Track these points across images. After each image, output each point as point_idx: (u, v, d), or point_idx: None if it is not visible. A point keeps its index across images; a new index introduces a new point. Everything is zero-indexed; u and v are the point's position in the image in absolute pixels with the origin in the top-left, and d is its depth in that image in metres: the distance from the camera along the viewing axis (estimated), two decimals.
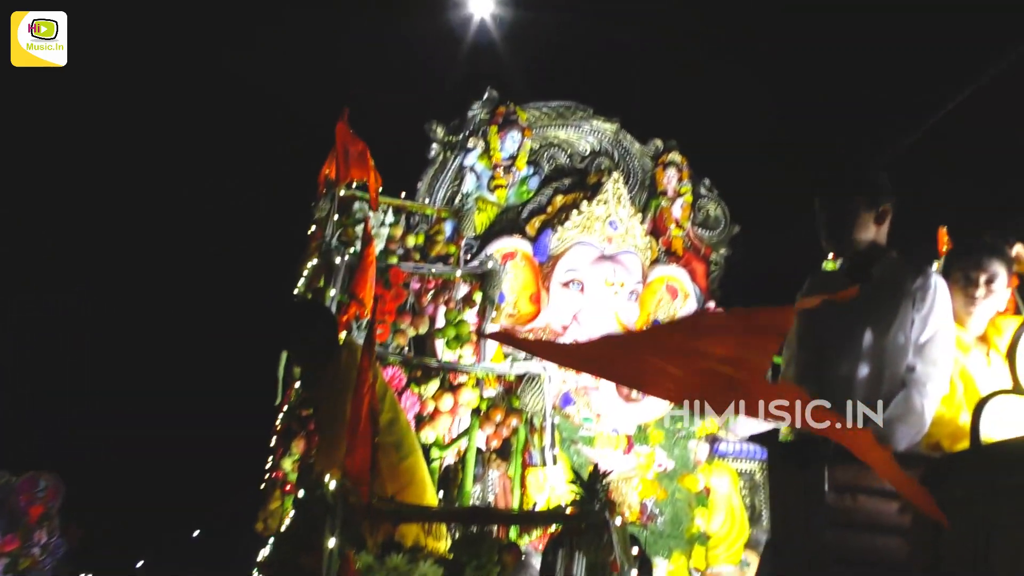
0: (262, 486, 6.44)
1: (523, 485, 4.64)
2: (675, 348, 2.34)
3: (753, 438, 7.56)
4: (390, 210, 6.39)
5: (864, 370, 2.81)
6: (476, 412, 4.73)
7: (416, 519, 3.35)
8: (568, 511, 3.38)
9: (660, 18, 9.79)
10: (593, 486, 3.43)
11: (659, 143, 8.81)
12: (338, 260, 5.39)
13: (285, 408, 5.63)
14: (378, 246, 6.18)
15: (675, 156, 8.67)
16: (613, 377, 2.54)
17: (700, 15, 9.48)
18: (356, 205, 6.23)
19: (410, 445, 3.89)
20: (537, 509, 4.79)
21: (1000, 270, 3.22)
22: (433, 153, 8.10)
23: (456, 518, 3.52)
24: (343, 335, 4.41)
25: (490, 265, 5.59)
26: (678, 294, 8.05)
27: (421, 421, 4.52)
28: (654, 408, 7.06)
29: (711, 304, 8.19)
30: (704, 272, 8.53)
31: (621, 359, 2.52)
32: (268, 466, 6.46)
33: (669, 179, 8.58)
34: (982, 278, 3.20)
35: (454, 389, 4.72)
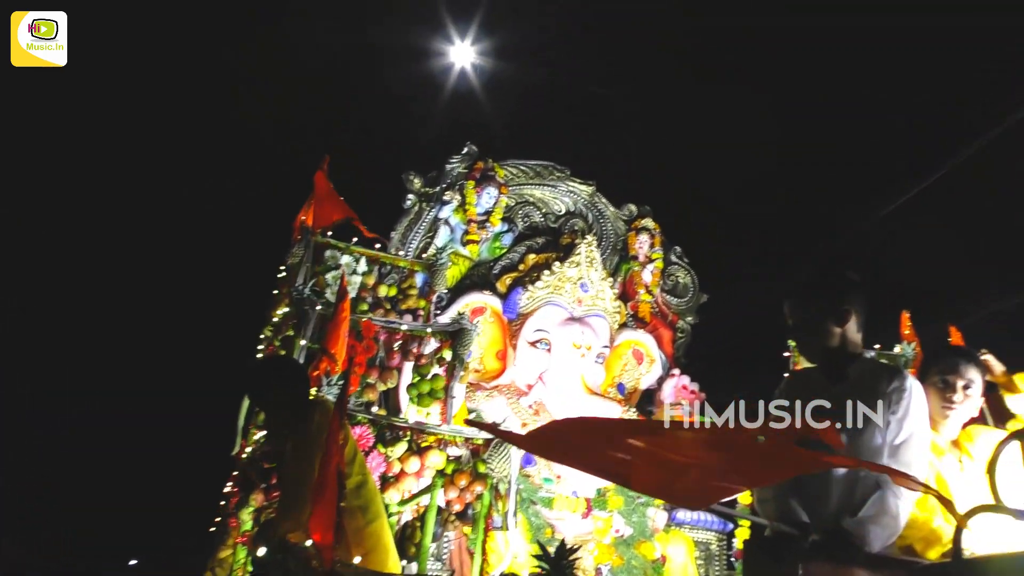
0: (212, 530, 6.33)
1: (484, 552, 4.59)
2: (666, 445, 2.33)
3: (710, 508, 7.56)
4: (363, 259, 6.36)
5: (840, 470, 2.82)
6: (441, 474, 4.68)
7: None
8: None
9: (642, 80, 9.93)
10: (559, 562, 3.40)
11: (633, 208, 8.90)
12: (309, 309, 5.34)
13: (244, 456, 5.54)
14: (352, 292, 6.15)
15: (648, 222, 8.76)
16: (591, 469, 2.50)
17: (683, 81, 9.62)
18: (328, 253, 6.20)
19: (376, 509, 3.84)
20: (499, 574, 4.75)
21: (977, 376, 3.27)
22: (408, 203, 8.10)
23: None
24: (314, 391, 4.36)
25: (463, 324, 5.56)
26: (644, 359, 8.09)
27: (386, 482, 4.47)
28: None
29: (676, 371, 8.22)
30: (670, 339, 8.58)
31: (597, 449, 2.49)
32: (220, 513, 6.34)
33: (641, 244, 8.65)
34: (959, 383, 3.25)
35: (421, 451, 4.67)
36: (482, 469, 4.74)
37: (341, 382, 4.65)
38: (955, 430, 3.27)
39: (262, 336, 6.54)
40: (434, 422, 5.12)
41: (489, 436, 4.85)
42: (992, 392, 3.49)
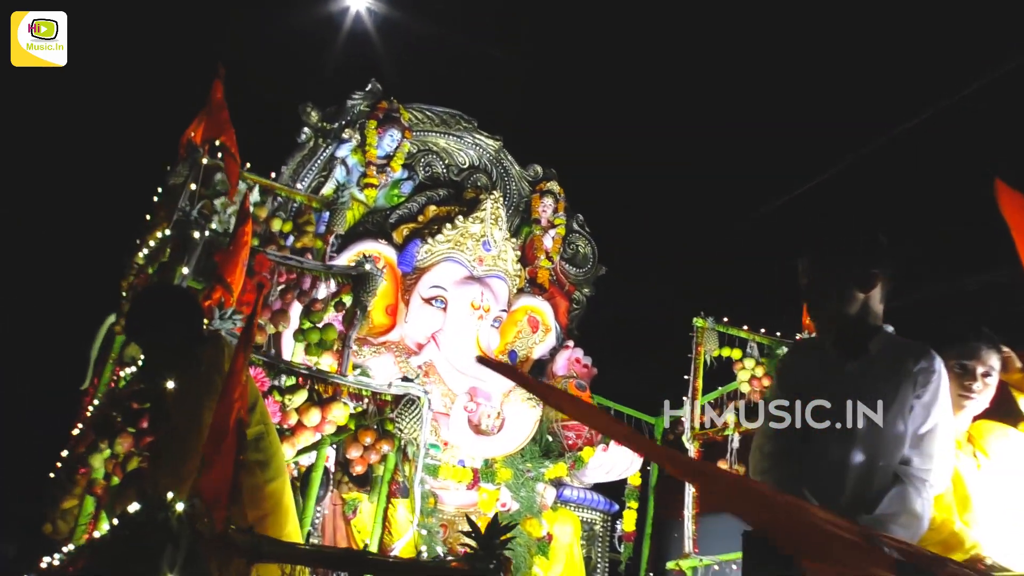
0: (52, 476, 5.58)
1: (386, 521, 4.09)
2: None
3: (597, 487, 7.28)
4: (256, 188, 5.69)
5: (857, 457, 2.44)
6: (341, 430, 4.14)
7: (279, 558, 2.75)
8: (452, 563, 2.88)
9: (558, 44, 9.50)
10: (491, 541, 2.95)
11: (539, 169, 8.49)
12: (194, 234, 4.67)
13: (103, 395, 4.84)
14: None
15: (553, 185, 8.37)
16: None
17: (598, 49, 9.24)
18: (219, 176, 5.50)
19: (278, 466, 3.28)
20: (400, 548, 4.25)
21: (996, 364, 2.98)
22: (303, 137, 7.45)
23: (328, 562, 2.95)
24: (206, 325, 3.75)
25: (367, 267, 5.01)
26: (539, 327, 7.69)
27: (281, 435, 3.89)
28: (505, 444, 6.65)
29: (570, 343, 7.88)
30: (566, 309, 8.24)
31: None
32: (65, 458, 5.58)
33: (545, 208, 8.25)
34: (979, 370, 2.95)
35: (323, 403, 4.12)
36: (390, 428, 4.22)
37: (240, 315, 4.03)
38: (967, 422, 2.99)
39: (134, 263, 5.80)
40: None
41: (400, 393, 4.33)
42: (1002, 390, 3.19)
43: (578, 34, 9.28)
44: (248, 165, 5.80)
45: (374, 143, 7.49)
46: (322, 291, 5.03)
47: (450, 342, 6.82)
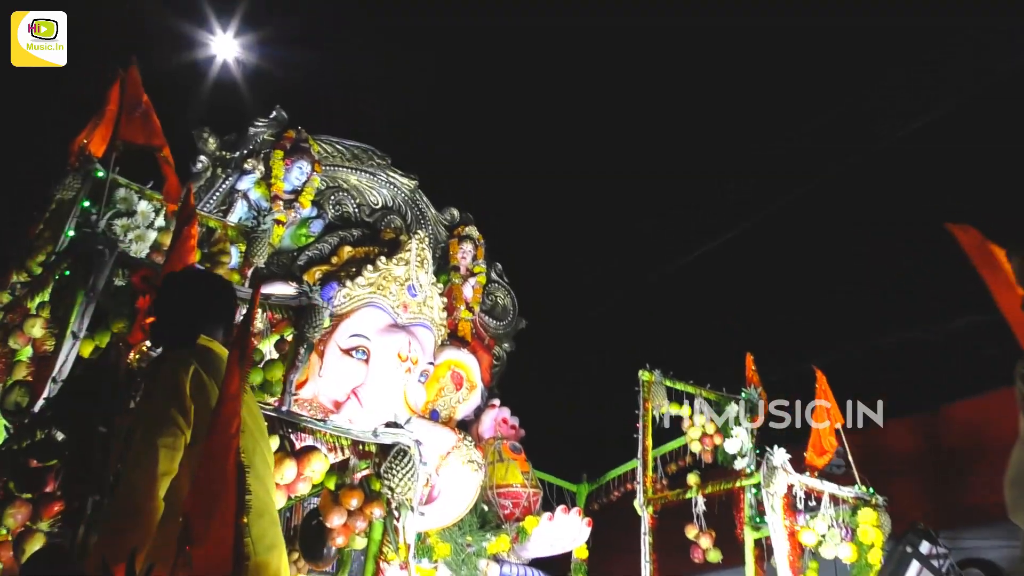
0: None
1: None
2: None
3: (535, 563, 6.48)
4: (162, 212, 4.72)
5: None
6: (314, 489, 3.24)
7: None
8: None
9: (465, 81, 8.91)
10: None
11: (455, 212, 7.81)
12: (104, 250, 3.70)
13: None
14: (141, 251, 4.54)
15: (472, 230, 7.70)
16: None
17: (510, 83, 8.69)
18: (122, 193, 4.53)
19: (276, 534, 2.40)
20: None
21: None
22: (200, 167, 6.49)
23: None
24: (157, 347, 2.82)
25: (312, 298, 4.15)
26: (463, 384, 6.91)
27: None
28: (442, 515, 5.80)
29: (495, 401, 7.13)
30: (488, 364, 7.48)
31: None
32: None
33: (464, 254, 7.56)
34: None
35: (298, 455, 3.20)
36: (376, 487, 3.34)
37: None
38: None
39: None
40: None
41: (388, 443, 3.47)
42: None
43: (489, 70, 8.71)
44: (151, 184, 4.83)
45: (280, 175, 6.64)
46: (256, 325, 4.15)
47: (374, 398, 5.95)
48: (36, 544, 2.80)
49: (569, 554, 6.55)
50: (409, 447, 3.49)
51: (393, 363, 6.10)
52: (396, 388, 6.10)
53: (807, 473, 5.64)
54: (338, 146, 7.20)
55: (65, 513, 2.61)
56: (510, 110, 8.76)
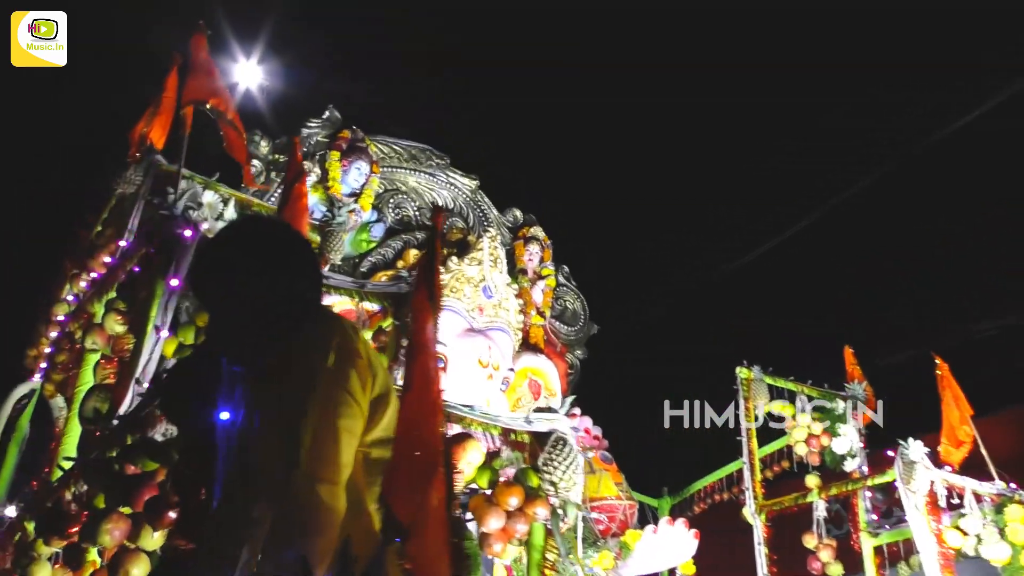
0: None
1: None
2: None
3: None
4: (232, 202, 4.28)
5: None
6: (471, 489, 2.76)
7: None
8: None
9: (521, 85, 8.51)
10: None
11: (518, 213, 7.35)
12: (181, 234, 3.26)
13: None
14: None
15: (538, 231, 7.23)
16: None
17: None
18: (183, 185, 4.09)
19: None
20: None
21: None
22: (254, 171, 6.05)
23: None
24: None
25: (404, 287, 3.70)
26: (541, 393, 6.40)
27: None
28: None
29: (576, 411, 6.61)
30: (564, 372, 6.98)
31: None
32: None
33: (531, 256, 7.09)
34: None
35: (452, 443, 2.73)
36: (535, 482, 2.85)
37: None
38: None
39: (52, 312, 4.27)
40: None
41: (543, 431, 2.97)
42: None
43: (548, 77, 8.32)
44: (217, 175, 4.40)
45: (338, 176, 6.22)
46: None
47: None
48: (140, 566, 2.32)
49: (673, 571, 6.01)
50: (566, 434, 3.00)
51: (474, 370, 5.62)
52: (479, 397, 5.60)
53: (947, 468, 5.10)
54: (395, 146, 6.77)
55: (183, 523, 2.12)
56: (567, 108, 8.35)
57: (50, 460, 3.63)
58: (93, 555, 2.70)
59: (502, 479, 2.88)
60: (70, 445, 3.45)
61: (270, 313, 1.99)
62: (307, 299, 2.09)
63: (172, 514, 2.24)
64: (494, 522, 2.78)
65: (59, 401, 4.26)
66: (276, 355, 1.97)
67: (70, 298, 4.31)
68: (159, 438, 2.51)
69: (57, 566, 2.94)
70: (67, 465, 3.06)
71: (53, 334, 4.33)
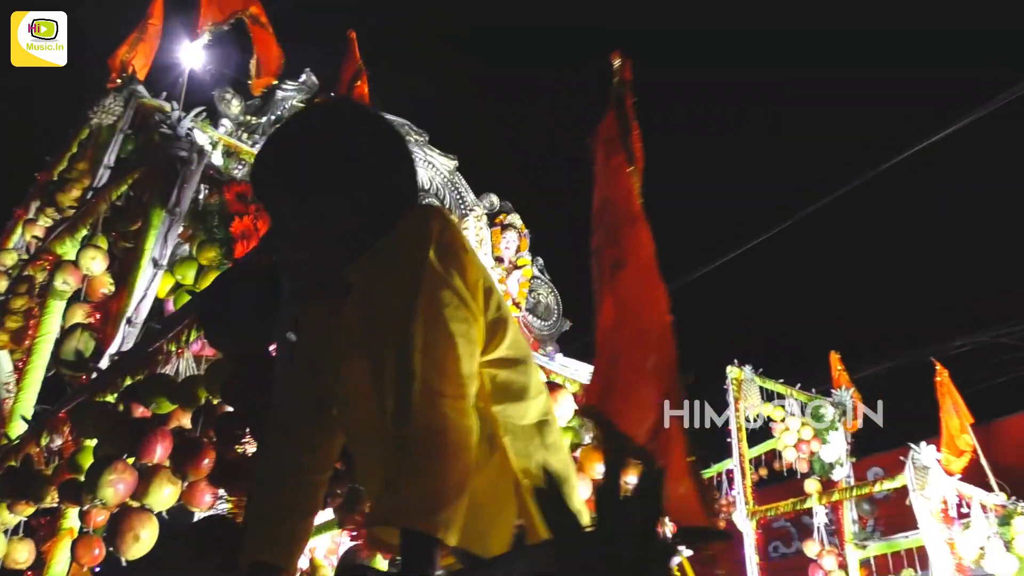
0: None
1: None
2: None
3: None
4: (220, 147, 3.85)
5: None
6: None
7: None
8: None
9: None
10: None
11: (495, 199, 7.00)
12: (189, 155, 2.83)
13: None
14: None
15: (515, 219, 6.90)
16: None
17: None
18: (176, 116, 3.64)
19: None
20: None
21: None
22: (223, 130, 5.59)
23: None
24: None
25: None
26: None
27: None
28: None
29: None
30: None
31: None
32: None
33: (508, 244, 6.75)
34: None
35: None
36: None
37: None
38: None
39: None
40: None
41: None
42: None
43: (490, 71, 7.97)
44: (203, 112, 3.95)
45: None
46: None
47: None
48: (149, 528, 1.89)
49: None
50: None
51: None
52: None
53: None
54: None
55: (225, 467, 1.71)
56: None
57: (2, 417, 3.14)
58: (70, 520, 2.25)
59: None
60: (28, 400, 2.98)
61: (361, 216, 1.64)
62: (402, 194, 1.74)
63: (207, 461, 1.83)
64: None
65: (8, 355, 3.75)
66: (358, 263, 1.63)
67: (20, 245, 3.83)
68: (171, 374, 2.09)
69: (16, 537, 2.48)
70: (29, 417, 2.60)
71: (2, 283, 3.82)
